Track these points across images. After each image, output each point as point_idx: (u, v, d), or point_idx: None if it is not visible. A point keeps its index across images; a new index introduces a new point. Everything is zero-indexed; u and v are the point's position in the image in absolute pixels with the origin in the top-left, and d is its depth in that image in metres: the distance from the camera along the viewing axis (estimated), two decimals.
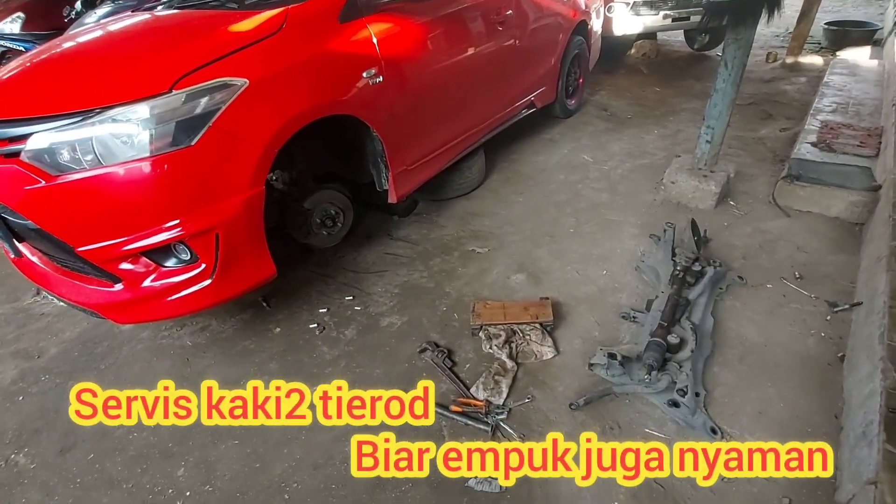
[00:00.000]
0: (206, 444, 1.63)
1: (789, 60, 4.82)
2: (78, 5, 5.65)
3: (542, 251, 2.44)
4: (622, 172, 3.16)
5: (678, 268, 1.97)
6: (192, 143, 1.47)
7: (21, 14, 5.90)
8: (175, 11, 2.09)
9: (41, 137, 1.43)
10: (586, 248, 2.45)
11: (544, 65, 3.34)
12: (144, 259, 1.56)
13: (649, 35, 5.42)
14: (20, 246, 1.78)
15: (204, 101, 1.49)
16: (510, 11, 2.73)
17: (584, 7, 3.63)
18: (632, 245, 2.44)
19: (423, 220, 2.76)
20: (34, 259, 1.78)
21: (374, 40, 1.96)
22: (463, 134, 2.68)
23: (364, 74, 1.93)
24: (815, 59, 4.95)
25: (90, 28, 2.18)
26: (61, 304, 2.30)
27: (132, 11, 2.42)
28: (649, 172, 3.13)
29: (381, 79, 1.98)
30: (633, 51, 5.62)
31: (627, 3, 4.68)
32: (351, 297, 2.22)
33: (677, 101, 4.28)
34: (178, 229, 1.51)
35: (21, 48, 5.44)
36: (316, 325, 2.08)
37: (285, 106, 1.66)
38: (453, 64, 2.40)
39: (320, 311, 2.16)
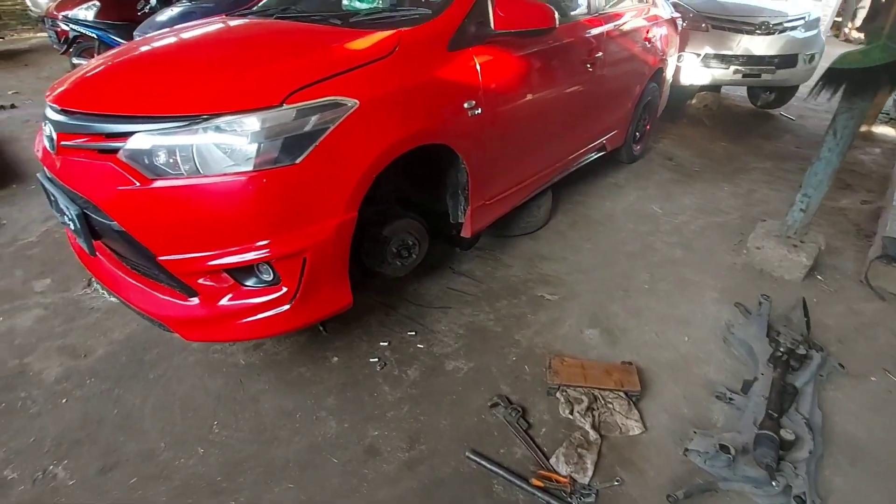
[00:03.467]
0: (259, 483, 1.50)
1: (862, 129, 4.66)
2: (153, 0, 5.81)
3: (617, 306, 2.29)
4: (695, 228, 3.01)
5: (781, 349, 1.80)
6: (296, 162, 1.38)
7: (97, 3, 6.07)
8: (277, 22, 2.04)
9: (143, 138, 1.36)
10: (664, 308, 2.28)
11: (621, 108, 3.24)
12: (226, 275, 1.45)
13: (713, 87, 5.32)
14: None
15: (314, 118, 1.41)
16: (601, 53, 2.65)
17: (662, 55, 3.55)
18: (714, 311, 2.27)
19: (487, 257, 2.63)
20: (106, 260, 1.70)
21: (479, 71, 1.88)
22: (542, 171, 2.58)
23: (465, 105, 1.84)
24: (888, 130, 4.78)
25: (186, 29, 2.14)
26: (112, 300, 2.23)
27: (224, 15, 2.40)
28: (725, 232, 2.97)
29: (479, 111, 1.89)
30: (694, 101, 5.51)
31: (698, 55, 4.59)
32: (413, 333, 2.08)
33: (747, 159, 4.13)
34: (267, 250, 1.40)
35: (93, 34, 5.60)
36: (377, 359, 1.95)
37: (390, 131, 1.57)
38: (544, 100, 2.32)
39: (381, 344, 2.03)
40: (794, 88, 5.00)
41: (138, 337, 2.06)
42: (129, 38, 5.56)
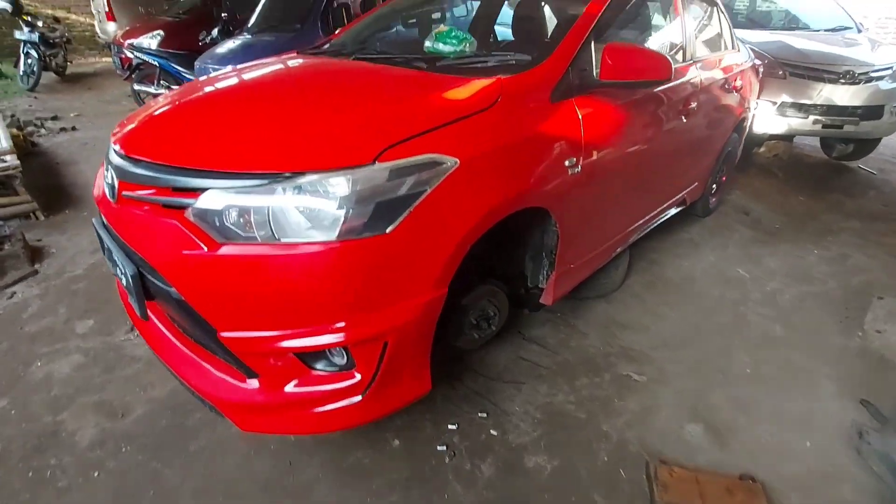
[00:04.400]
0: None
1: None
2: (214, 32, 5.94)
3: (717, 395, 1.96)
4: (791, 299, 2.66)
5: None
6: (386, 231, 1.17)
7: (161, 32, 6.27)
8: (358, 63, 1.89)
9: (216, 196, 1.18)
10: (774, 401, 1.95)
11: (705, 160, 2.98)
12: (293, 358, 1.23)
13: (784, 135, 4.98)
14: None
15: (410, 180, 1.20)
16: (694, 104, 2.41)
17: (746, 104, 3.29)
18: (836, 408, 1.93)
19: (559, 322, 2.36)
20: (157, 320, 1.51)
21: (581, 125, 1.66)
22: (627, 230, 2.33)
23: (566, 163, 1.62)
24: None
25: (258, 68, 2.02)
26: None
27: (295, 52, 2.28)
28: (826, 305, 2.61)
29: (579, 168, 1.67)
30: (762, 149, 5.18)
31: (774, 102, 4.30)
32: (484, 415, 1.82)
33: (830, 218, 3.76)
34: (343, 334, 1.18)
35: (155, 62, 5.74)
36: (445, 447, 1.68)
37: (491, 194, 1.36)
38: (639, 153, 2.08)
39: (449, 427, 1.76)
40: (877, 141, 4.63)
41: (181, 396, 1.86)
42: (189, 66, 5.69)
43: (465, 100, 1.43)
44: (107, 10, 7.85)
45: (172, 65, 5.62)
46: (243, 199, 1.17)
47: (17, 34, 6.92)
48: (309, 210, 1.16)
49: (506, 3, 2.37)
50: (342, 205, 1.14)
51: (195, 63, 4.87)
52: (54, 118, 5.69)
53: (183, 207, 1.22)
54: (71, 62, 8.06)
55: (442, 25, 2.04)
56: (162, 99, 1.77)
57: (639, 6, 2.31)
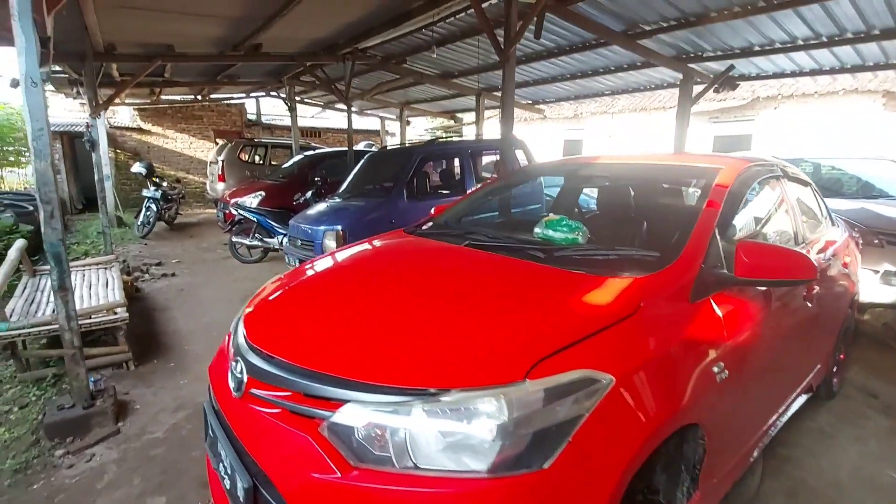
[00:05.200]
0: None
1: None
2: (308, 194, 6.72)
3: None
4: None
5: None
6: (545, 467, 1.01)
7: (262, 192, 7.19)
8: (475, 253, 1.91)
9: (356, 412, 1.09)
10: None
11: (828, 340, 2.70)
12: None
13: (891, 304, 4.57)
14: None
15: (567, 402, 1.08)
16: (816, 287, 2.25)
17: (856, 278, 3.08)
18: None
19: None
20: None
21: (723, 325, 1.53)
22: (765, 429, 2.01)
23: (714, 369, 1.45)
24: None
25: (378, 251, 2.11)
26: None
27: (401, 231, 2.42)
28: None
29: (726, 373, 1.48)
30: (866, 316, 4.74)
31: (875, 271, 4.04)
32: None
33: None
34: None
35: (254, 218, 6.45)
36: None
37: (651, 415, 1.19)
38: (775, 346, 1.88)
39: None
40: None
41: None
42: (283, 222, 6.33)
43: (607, 305, 1.36)
44: (220, 173, 9.24)
45: (268, 220, 6.27)
46: (383, 418, 1.08)
47: (144, 192, 8.18)
48: (455, 435, 1.04)
49: (629, 193, 2.45)
50: (495, 432, 1.02)
51: (290, 223, 5.41)
52: (158, 264, 6.33)
53: (317, 418, 1.13)
54: (181, 214, 9.29)
55: (550, 214, 2.11)
56: (290, 280, 1.84)
57: (750, 195, 2.33)
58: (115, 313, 3.38)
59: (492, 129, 10.49)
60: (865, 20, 4.09)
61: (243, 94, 11.39)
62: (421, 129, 21.28)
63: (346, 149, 8.48)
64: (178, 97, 11.15)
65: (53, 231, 2.39)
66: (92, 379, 2.72)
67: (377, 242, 2.27)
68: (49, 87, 11.91)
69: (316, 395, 1.17)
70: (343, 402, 1.12)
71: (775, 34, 4.58)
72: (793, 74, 5.59)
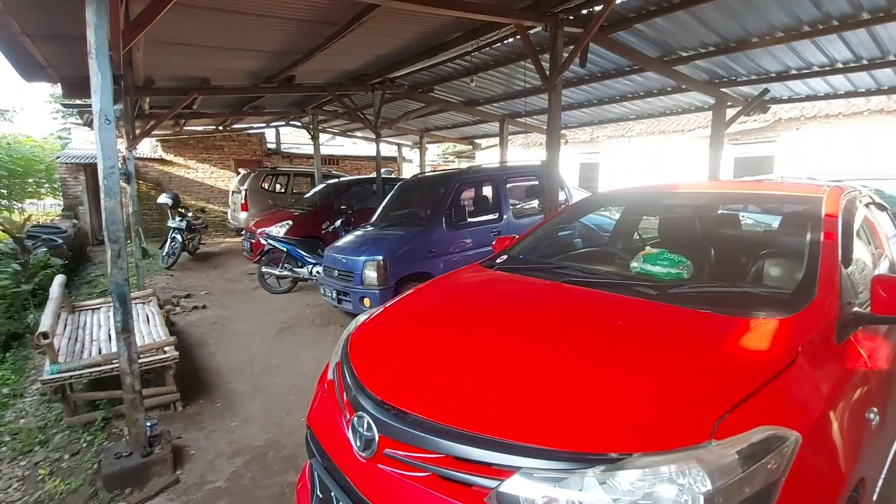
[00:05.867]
0: None
1: None
2: (338, 223, 6.68)
3: None
4: None
5: None
6: None
7: (289, 222, 7.17)
8: (580, 290, 1.79)
9: (530, 481, 0.98)
10: None
11: None
12: None
13: None
14: None
15: (765, 465, 0.96)
16: None
17: None
18: None
19: None
20: None
21: (868, 366, 1.42)
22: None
23: (869, 416, 1.33)
24: None
25: (481, 287, 2.02)
26: None
27: (478, 266, 2.34)
28: None
29: (878, 418, 1.36)
30: None
31: None
32: None
33: None
34: None
35: (283, 248, 6.40)
36: None
37: (837, 472, 1.08)
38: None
39: None
40: None
41: None
42: (312, 251, 6.28)
43: (767, 350, 1.25)
44: (244, 202, 9.27)
45: (298, 250, 6.22)
46: (560, 490, 0.96)
47: (170, 222, 8.18)
48: None
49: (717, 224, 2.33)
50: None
51: (324, 251, 5.35)
52: (188, 296, 6.26)
53: (477, 486, 1.02)
54: (204, 243, 9.28)
55: (648, 247, 2.02)
56: (390, 319, 1.75)
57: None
58: (165, 352, 3.28)
59: (513, 154, 10.54)
60: None
61: (263, 124, 11.55)
62: (433, 154, 21.54)
63: (373, 176, 8.49)
64: (200, 128, 11.32)
65: (119, 271, 2.33)
66: (148, 424, 2.60)
67: (465, 278, 2.18)
68: (75, 118, 12.20)
69: (475, 461, 1.06)
70: (512, 468, 1.01)
71: (814, 58, 4.57)
72: (826, 97, 5.57)
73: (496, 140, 13.75)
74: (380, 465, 1.20)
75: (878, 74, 4.78)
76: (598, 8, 3.59)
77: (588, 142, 12.54)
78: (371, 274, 4.57)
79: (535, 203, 6.03)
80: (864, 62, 4.48)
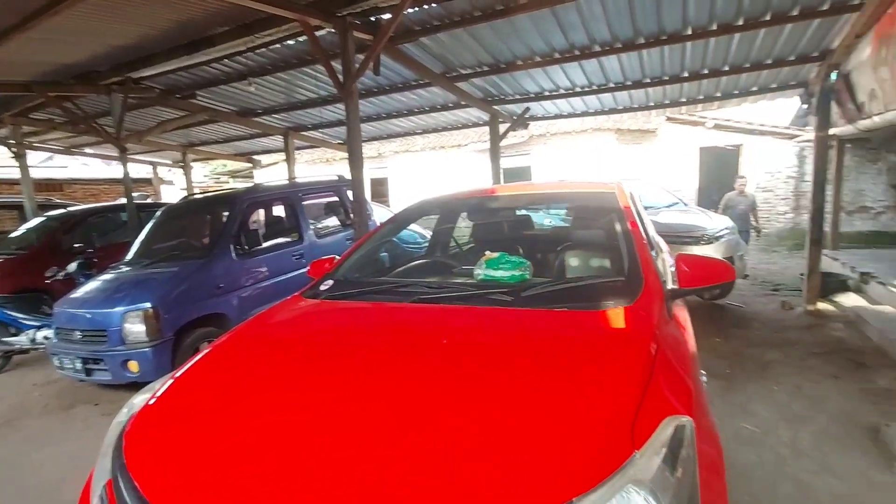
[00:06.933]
0: None
1: (810, 308, 5.32)
2: (72, 267, 4.97)
3: None
4: (810, 447, 2.72)
5: None
6: None
7: None
8: (433, 309, 1.59)
9: None
10: None
11: None
12: None
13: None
14: None
15: (683, 456, 0.93)
16: None
17: None
18: None
19: None
20: None
21: (688, 333, 1.59)
22: None
23: (704, 378, 1.47)
24: (826, 305, 5.50)
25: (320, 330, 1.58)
26: None
27: (299, 297, 1.89)
28: (837, 442, 2.74)
29: (706, 378, 1.53)
30: None
31: None
32: None
33: (755, 353, 4.26)
34: None
35: None
36: None
37: (714, 440, 1.13)
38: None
39: None
40: (734, 283, 5.74)
41: None
42: (33, 310, 4.55)
43: (636, 343, 1.25)
44: None
45: (7, 311, 4.40)
46: None
47: None
48: None
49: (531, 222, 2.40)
50: None
51: (55, 309, 3.87)
52: None
53: None
54: None
55: (487, 252, 1.93)
56: (198, 385, 1.19)
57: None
58: None
59: (300, 171, 9.82)
60: (624, 73, 5.30)
61: None
62: (200, 174, 18.65)
63: (121, 203, 6.70)
64: None
65: None
66: None
67: (287, 315, 1.70)
68: None
69: None
70: None
71: (562, 82, 5.55)
72: (570, 115, 6.89)
73: (279, 156, 12.76)
74: None
75: (603, 98, 6.12)
76: (386, 17, 3.51)
77: (376, 157, 12.75)
78: (135, 328, 3.46)
79: (335, 220, 5.67)
80: (595, 87, 5.66)
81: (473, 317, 1.51)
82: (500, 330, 1.41)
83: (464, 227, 3.43)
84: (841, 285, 5.82)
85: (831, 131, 5.39)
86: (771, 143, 10.01)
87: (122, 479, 0.98)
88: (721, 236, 5.19)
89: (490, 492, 0.81)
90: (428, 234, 6.61)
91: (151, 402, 1.23)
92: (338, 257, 2.30)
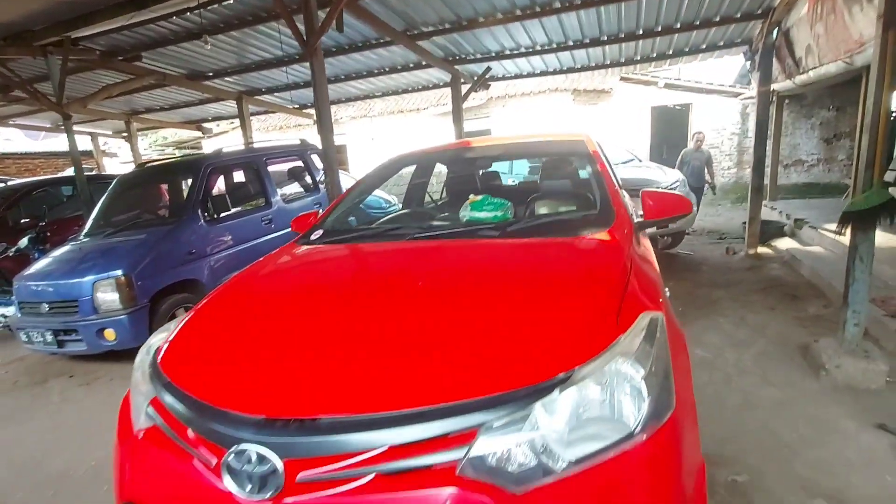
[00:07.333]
0: None
1: (751, 252, 5.83)
2: (23, 242, 4.74)
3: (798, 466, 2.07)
4: (754, 365, 3.11)
5: None
6: (675, 405, 1.03)
7: None
8: (433, 243, 1.73)
9: (492, 436, 0.86)
10: (821, 453, 2.17)
11: None
12: None
13: None
14: None
15: (658, 339, 1.11)
16: None
17: None
18: (870, 442, 2.23)
19: None
20: None
21: (654, 258, 1.81)
22: None
23: (667, 292, 1.70)
24: (765, 249, 6.05)
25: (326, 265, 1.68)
26: None
27: (294, 244, 1.96)
28: (775, 360, 3.14)
29: (669, 293, 1.76)
30: None
31: None
32: None
33: (704, 293, 4.68)
34: None
35: None
36: None
37: (679, 337, 1.34)
38: None
39: None
40: (683, 233, 6.18)
41: None
42: None
43: (615, 257, 1.44)
44: None
45: None
46: (527, 430, 0.88)
47: None
48: (603, 412, 0.94)
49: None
50: (644, 390, 0.97)
51: (14, 282, 3.72)
52: None
53: (439, 466, 0.84)
54: None
55: (471, 196, 2.06)
56: (220, 313, 1.29)
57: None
58: None
59: (256, 138, 9.47)
60: (583, 31, 5.42)
61: None
62: (142, 145, 17.52)
63: (67, 175, 6.32)
64: None
65: None
66: None
67: (288, 259, 1.78)
68: None
69: (427, 438, 0.86)
70: (473, 428, 0.86)
71: (523, 40, 5.60)
72: (530, 75, 6.97)
73: (229, 125, 12.19)
74: (289, 501, 0.85)
75: (562, 56, 6.23)
76: None
77: (333, 122, 12.43)
78: (108, 296, 3.41)
79: (300, 185, 5.62)
80: (554, 45, 5.75)
81: (469, 247, 1.67)
82: (496, 254, 1.58)
83: (437, 185, 3.55)
84: (778, 231, 6.39)
85: (772, 87, 5.78)
86: (717, 102, 10.52)
87: (170, 394, 1.07)
88: (674, 188, 5.55)
89: (507, 359, 0.99)
90: (392, 198, 6.68)
91: (175, 334, 1.31)
92: (321, 211, 2.37)
